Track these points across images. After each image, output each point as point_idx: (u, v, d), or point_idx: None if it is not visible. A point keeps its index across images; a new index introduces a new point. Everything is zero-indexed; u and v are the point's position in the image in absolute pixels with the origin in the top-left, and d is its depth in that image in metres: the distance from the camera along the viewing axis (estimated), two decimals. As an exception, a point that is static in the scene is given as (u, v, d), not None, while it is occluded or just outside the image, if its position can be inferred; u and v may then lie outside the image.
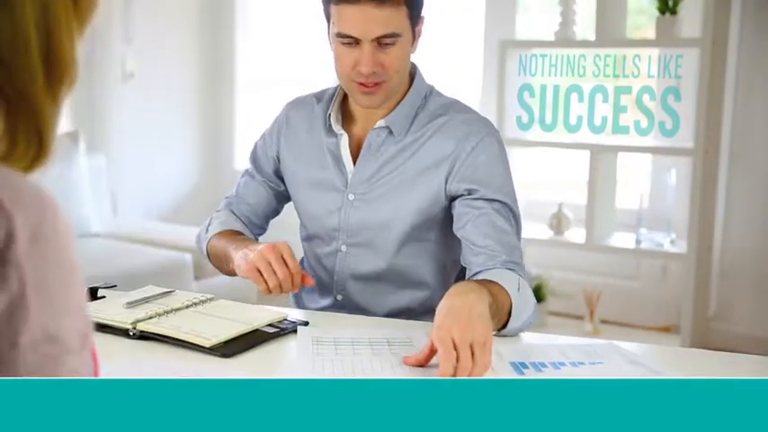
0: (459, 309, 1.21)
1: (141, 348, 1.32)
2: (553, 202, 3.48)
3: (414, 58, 1.58)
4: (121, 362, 1.23)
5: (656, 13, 3.14)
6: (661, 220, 3.29)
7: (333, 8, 1.49)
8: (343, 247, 1.61)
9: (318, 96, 1.69)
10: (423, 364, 1.23)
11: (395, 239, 1.57)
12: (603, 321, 3.55)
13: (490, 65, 3.71)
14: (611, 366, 1.27)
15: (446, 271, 1.64)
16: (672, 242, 3.26)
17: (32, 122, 0.69)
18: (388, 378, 1.19)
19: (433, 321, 1.22)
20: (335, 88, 1.66)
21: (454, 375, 1.14)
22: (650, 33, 3.27)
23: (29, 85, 0.68)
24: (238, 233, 1.66)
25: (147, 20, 4.05)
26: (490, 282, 1.37)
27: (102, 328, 1.37)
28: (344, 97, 1.63)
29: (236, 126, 4.52)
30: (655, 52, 3.10)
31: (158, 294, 1.51)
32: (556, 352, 1.32)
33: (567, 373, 1.23)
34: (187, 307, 1.46)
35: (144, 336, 1.35)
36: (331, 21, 1.52)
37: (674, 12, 3.10)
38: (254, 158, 1.73)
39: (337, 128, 1.61)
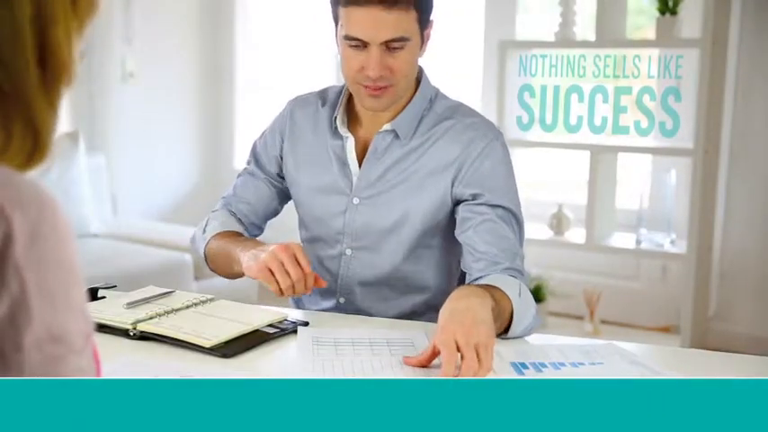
0: (463, 312, 1.21)
1: (141, 349, 1.32)
2: (553, 202, 3.48)
3: (414, 58, 1.57)
4: (121, 362, 1.23)
5: (656, 13, 3.14)
6: (661, 220, 3.29)
7: (341, 10, 1.47)
8: (348, 251, 1.60)
9: (322, 96, 1.66)
10: (424, 365, 1.23)
11: (401, 244, 1.57)
12: (603, 321, 3.55)
13: (490, 65, 3.71)
14: (611, 366, 1.27)
15: (450, 275, 1.63)
16: (672, 242, 3.26)
17: (28, 118, 0.69)
18: (388, 378, 1.19)
19: (434, 320, 1.22)
20: (340, 89, 1.64)
21: (456, 377, 1.14)
22: (650, 34, 3.27)
23: (23, 81, 0.68)
24: (239, 234, 1.63)
25: (147, 20, 4.05)
26: (492, 287, 1.37)
27: (103, 328, 1.37)
28: (349, 99, 1.61)
29: (236, 126, 4.52)
30: (655, 52, 3.10)
31: (158, 295, 1.51)
32: (556, 352, 1.32)
33: (567, 374, 1.23)
34: (187, 307, 1.46)
35: (144, 336, 1.35)
36: (339, 23, 1.49)
37: (674, 12, 3.10)
38: (255, 156, 1.70)
39: (343, 130, 1.59)
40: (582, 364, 1.27)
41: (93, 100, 3.99)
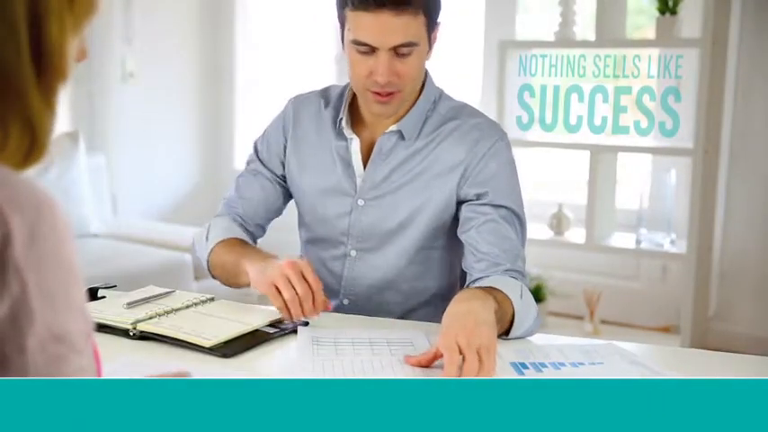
0: (465, 315, 1.21)
1: (141, 348, 1.32)
2: (553, 202, 3.48)
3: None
4: (122, 362, 1.23)
5: (656, 13, 3.14)
6: (661, 220, 3.28)
7: (349, 14, 1.44)
8: (353, 252, 1.60)
9: (324, 96, 1.65)
10: (424, 365, 1.23)
11: (406, 245, 1.56)
12: (603, 321, 3.55)
13: (490, 65, 3.71)
14: (611, 366, 1.27)
15: (452, 275, 1.63)
16: (672, 242, 3.26)
17: (24, 116, 0.68)
18: (388, 378, 1.19)
19: (435, 320, 1.22)
20: (342, 88, 1.63)
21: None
22: (650, 33, 3.27)
23: (18, 79, 0.68)
24: (245, 243, 1.60)
25: (147, 20, 4.04)
26: (494, 289, 1.37)
27: (103, 328, 1.36)
28: (353, 99, 1.60)
29: (236, 126, 4.52)
30: (655, 52, 3.10)
31: (158, 295, 1.51)
32: (556, 352, 1.33)
33: (567, 374, 1.23)
34: (187, 307, 1.46)
35: (144, 336, 1.35)
36: (346, 27, 1.47)
37: (674, 12, 3.10)
38: (258, 155, 1.68)
39: (348, 132, 1.58)
40: (582, 364, 1.27)
41: (93, 100, 3.99)
